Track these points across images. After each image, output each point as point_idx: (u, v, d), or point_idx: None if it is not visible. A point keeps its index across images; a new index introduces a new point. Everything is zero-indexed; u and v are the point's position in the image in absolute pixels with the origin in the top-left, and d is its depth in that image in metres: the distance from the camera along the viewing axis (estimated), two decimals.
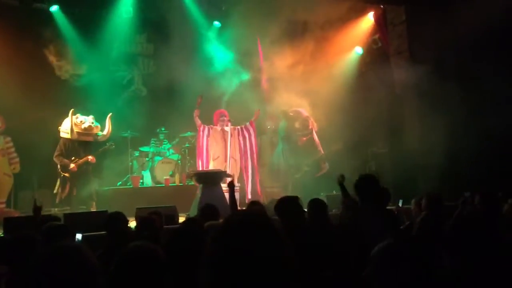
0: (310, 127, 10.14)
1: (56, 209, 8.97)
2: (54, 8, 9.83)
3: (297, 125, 10.12)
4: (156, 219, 4.09)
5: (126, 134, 10.05)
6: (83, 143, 8.75)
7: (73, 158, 8.53)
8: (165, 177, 10.00)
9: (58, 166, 8.54)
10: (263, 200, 8.71)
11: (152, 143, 10.62)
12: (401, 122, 10.00)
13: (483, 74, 8.23)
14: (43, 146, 8.85)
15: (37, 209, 4.41)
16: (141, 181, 10.15)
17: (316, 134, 10.19)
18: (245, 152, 9.64)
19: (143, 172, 10.38)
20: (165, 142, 10.81)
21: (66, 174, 8.47)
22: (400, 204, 6.58)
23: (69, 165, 8.44)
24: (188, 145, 10.60)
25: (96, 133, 8.92)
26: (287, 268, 1.28)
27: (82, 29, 10.01)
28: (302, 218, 3.69)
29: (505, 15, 7.89)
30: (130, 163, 10.30)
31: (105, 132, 9.00)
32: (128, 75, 11.49)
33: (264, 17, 10.25)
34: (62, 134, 8.67)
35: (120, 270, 1.78)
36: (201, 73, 10.62)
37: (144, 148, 10.60)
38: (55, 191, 8.52)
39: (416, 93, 9.46)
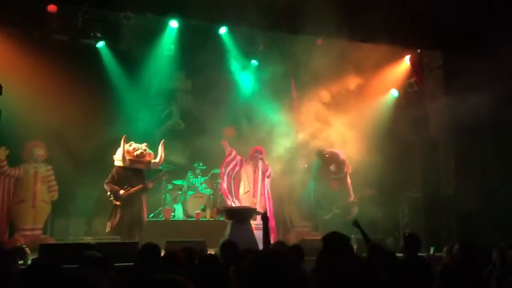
0: (345, 170, 10.05)
1: (89, 237, 9.21)
2: (100, 44, 10.30)
3: (332, 167, 10.01)
4: (179, 254, 4.12)
5: (160, 167, 10.25)
6: (135, 171, 8.66)
7: (125, 186, 8.42)
8: (196, 211, 10.09)
9: (108, 193, 8.47)
10: (293, 240, 8.66)
11: (189, 176, 10.79)
12: (436, 167, 9.86)
13: None
14: (81, 175, 9.14)
15: None
16: (172, 214, 10.28)
17: (350, 177, 10.10)
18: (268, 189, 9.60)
19: (175, 205, 10.52)
20: (199, 176, 10.98)
21: (118, 202, 8.35)
22: (431, 252, 6.43)
23: (119, 192, 8.33)
24: (220, 180, 10.70)
25: (149, 161, 8.83)
26: None
27: (126, 65, 10.43)
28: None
29: None
30: (163, 196, 10.47)
31: (157, 160, 8.91)
32: (167, 109, 11.82)
33: (299, 56, 10.49)
34: (116, 162, 8.64)
35: None
36: (236, 109, 10.87)
37: (178, 182, 10.77)
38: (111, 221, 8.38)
39: (452, 139, 9.34)
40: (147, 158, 8.81)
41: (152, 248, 3.98)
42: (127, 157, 8.56)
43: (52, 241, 8.68)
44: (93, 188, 9.24)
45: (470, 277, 3.63)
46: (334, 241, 3.60)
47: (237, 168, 9.47)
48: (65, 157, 9.28)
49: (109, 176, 8.52)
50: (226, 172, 9.39)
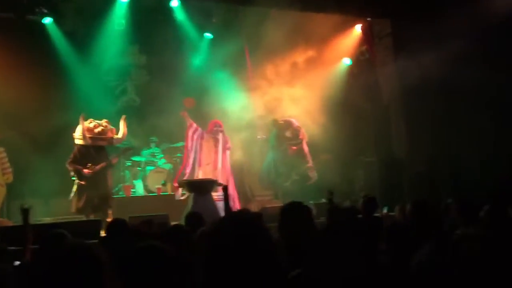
0: (301, 136, 10.31)
1: (48, 218, 9.09)
2: (47, 21, 9.95)
3: (287, 134, 10.29)
4: (142, 227, 4.20)
5: (118, 144, 10.16)
6: (98, 148, 8.47)
7: (88, 164, 8.20)
8: (157, 186, 10.12)
9: (72, 173, 8.26)
10: (254, 208, 8.86)
11: (144, 152, 10.74)
12: (388, 132, 10.25)
13: (466, 85, 8.51)
14: (36, 156, 8.95)
15: (25, 211, 4.18)
16: (133, 190, 10.27)
17: (306, 144, 10.38)
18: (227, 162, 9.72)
19: (135, 181, 10.50)
20: (157, 152, 10.94)
21: (82, 182, 8.15)
22: (385, 211, 6.77)
23: (82, 171, 8.12)
24: (180, 154, 10.74)
25: (112, 137, 8.65)
26: (275, 262, 1.42)
27: (75, 41, 10.14)
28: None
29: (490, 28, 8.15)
30: (122, 173, 10.42)
31: (120, 135, 8.74)
32: (121, 86, 11.63)
33: (253, 29, 10.53)
34: (76, 141, 8.43)
35: (134, 266, 1.87)
36: (192, 83, 10.84)
37: (136, 158, 10.73)
38: (70, 198, 8.27)
39: (402, 104, 9.72)
40: (109, 134, 8.62)
41: (120, 223, 4.04)
42: (88, 135, 8.36)
43: (9, 223, 8.51)
44: (50, 169, 9.06)
45: (420, 232, 3.89)
46: (292, 211, 3.75)
47: (199, 140, 9.48)
48: (18, 138, 9.04)
49: (71, 156, 8.32)
50: (194, 146, 9.38)
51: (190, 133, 9.39)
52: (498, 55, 8.01)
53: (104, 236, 4.06)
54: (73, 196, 8.25)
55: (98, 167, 8.25)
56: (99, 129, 8.47)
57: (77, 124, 8.55)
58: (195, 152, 9.36)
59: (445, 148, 8.98)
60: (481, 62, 8.13)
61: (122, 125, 8.77)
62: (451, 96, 8.97)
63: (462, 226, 4.39)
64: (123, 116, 8.90)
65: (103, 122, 8.65)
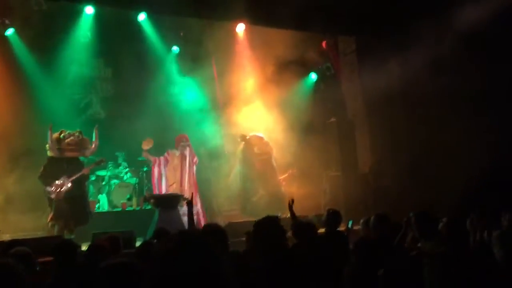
0: (268, 151, 10.38)
1: (7, 234, 8.79)
2: (9, 32, 9.73)
3: (255, 149, 10.31)
4: (106, 245, 4.13)
5: (82, 158, 9.97)
6: (71, 160, 8.17)
7: (62, 176, 7.90)
8: (122, 201, 9.96)
9: (44, 188, 7.97)
10: (220, 223, 8.82)
11: (110, 166, 10.55)
12: (353, 146, 10.45)
13: (428, 99, 8.81)
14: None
15: None
16: (97, 205, 10.06)
17: (274, 159, 10.44)
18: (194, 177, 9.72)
19: (99, 196, 10.29)
20: (122, 166, 10.77)
21: (52, 196, 7.89)
22: (350, 225, 6.87)
23: (51, 184, 7.84)
24: (146, 168, 10.62)
25: (84, 148, 8.36)
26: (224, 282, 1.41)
27: (39, 53, 9.94)
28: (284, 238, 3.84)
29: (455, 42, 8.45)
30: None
31: (92, 146, 8.47)
32: (86, 99, 11.45)
33: (219, 42, 10.62)
34: (48, 153, 8.14)
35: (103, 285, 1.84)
36: (159, 96, 10.79)
37: (101, 172, 10.53)
38: (49, 218, 7.98)
39: (366, 118, 9.94)
40: (81, 145, 8.32)
41: (68, 245, 3.94)
42: (56, 146, 8.05)
43: None
44: (5, 182, 8.84)
45: (384, 243, 3.98)
46: (266, 224, 3.79)
47: (163, 167, 9.47)
48: None
49: (41, 169, 8.03)
50: (159, 175, 9.42)
51: (155, 169, 9.46)
52: (458, 68, 8.31)
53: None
54: (49, 211, 8.00)
55: (69, 179, 7.94)
56: (69, 139, 8.18)
57: (41, 135, 8.35)
58: (162, 179, 9.33)
59: (408, 161, 9.21)
60: (442, 79, 8.43)
61: (94, 135, 8.49)
62: (413, 110, 9.26)
63: (423, 240, 4.51)
64: (96, 126, 8.66)
65: (76, 132, 8.36)
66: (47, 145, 8.16)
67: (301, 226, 4.74)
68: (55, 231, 7.80)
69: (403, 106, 9.69)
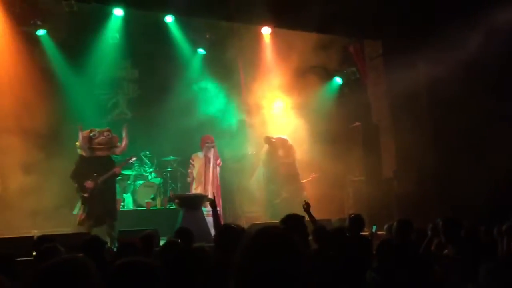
0: (293, 155, 10.36)
1: (35, 231, 9.00)
2: (41, 32, 9.98)
3: (280, 152, 10.29)
4: (137, 242, 4.20)
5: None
6: (102, 159, 8.19)
7: (94, 175, 7.98)
8: (146, 201, 10.09)
9: (76, 186, 8.06)
10: (243, 224, 8.87)
11: (135, 166, 10.71)
12: (378, 151, 10.37)
13: (454, 105, 8.69)
14: (28, 168, 8.92)
15: None
16: (122, 204, 10.21)
17: (297, 162, 10.43)
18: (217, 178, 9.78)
19: (124, 195, 10.45)
20: (147, 166, 10.93)
21: (85, 195, 7.95)
22: (373, 230, 6.83)
23: (84, 183, 7.90)
24: (170, 168, 10.74)
25: (114, 146, 8.37)
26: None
27: (69, 53, 10.16)
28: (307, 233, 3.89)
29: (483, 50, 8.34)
30: None
31: (122, 144, 8.44)
32: (113, 99, 11.66)
33: (245, 45, 10.69)
34: (79, 152, 8.20)
35: (118, 283, 1.84)
36: (185, 98, 10.91)
37: (126, 171, 10.68)
38: (74, 212, 8.12)
39: (391, 123, 9.85)
40: (111, 143, 8.33)
41: (96, 241, 4.03)
42: (87, 146, 8.11)
43: None
44: (39, 181, 9.04)
45: (406, 250, 3.95)
46: (292, 222, 3.83)
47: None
48: (9, 150, 8.99)
49: (74, 168, 8.09)
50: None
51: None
52: (485, 75, 8.20)
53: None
54: (77, 210, 8.10)
55: (101, 178, 8.00)
56: (99, 139, 8.19)
57: (69, 134, 8.52)
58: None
59: (434, 168, 9.11)
60: (469, 82, 8.32)
61: (124, 133, 8.49)
62: (439, 114, 9.15)
63: (450, 245, 4.47)
64: (125, 125, 8.70)
65: (105, 130, 8.39)
66: (77, 144, 8.25)
67: (323, 231, 4.73)
68: (84, 229, 7.91)
69: (429, 110, 9.59)
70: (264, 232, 1.58)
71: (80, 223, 7.95)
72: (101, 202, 7.93)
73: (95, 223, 7.91)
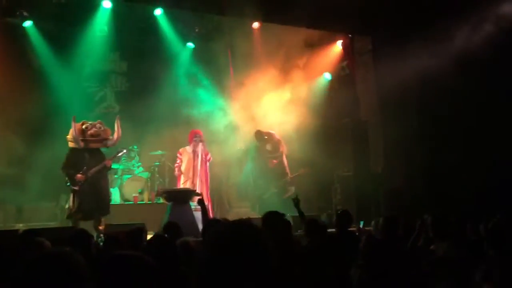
0: (281, 150, 10.37)
1: (21, 224, 8.91)
2: (27, 24, 9.84)
3: (268, 147, 10.31)
4: (120, 236, 4.16)
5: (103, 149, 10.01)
6: (93, 151, 8.08)
7: (84, 168, 7.86)
8: (133, 195, 10.02)
9: (66, 179, 7.90)
10: (231, 219, 8.85)
11: (123, 160, 10.62)
12: (366, 147, 10.41)
13: (442, 102, 8.74)
14: (12, 162, 8.83)
15: None
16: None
17: (285, 157, 10.43)
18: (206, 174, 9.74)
19: (111, 189, 10.34)
20: (134, 160, 10.84)
21: (75, 187, 7.82)
22: (361, 225, 6.87)
23: (75, 176, 7.76)
24: (157, 163, 10.67)
25: (106, 139, 8.23)
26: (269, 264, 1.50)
27: (56, 45, 10.04)
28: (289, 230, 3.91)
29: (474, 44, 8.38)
30: None
31: (114, 137, 8.29)
32: (101, 92, 11.54)
33: (234, 39, 10.64)
34: (69, 144, 8.06)
35: (109, 277, 1.79)
36: (172, 92, 10.85)
37: (114, 165, 10.58)
38: (66, 206, 8.02)
39: (380, 119, 9.88)
40: (103, 136, 8.20)
41: (83, 234, 3.99)
42: (80, 138, 7.97)
43: None
44: (23, 174, 8.96)
45: (392, 246, 3.96)
46: (272, 219, 3.81)
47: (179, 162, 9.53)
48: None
49: (64, 161, 7.94)
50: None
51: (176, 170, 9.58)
52: (476, 72, 8.23)
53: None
54: (68, 203, 7.99)
55: (92, 171, 7.89)
56: (92, 131, 8.06)
57: (56, 127, 8.43)
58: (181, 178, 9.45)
59: (422, 163, 9.16)
60: (458, 79, 8.36)
61: (116, 126, 8.35)
62: (427, 111, 9.19)
63: (437, 240, 4.49)
64: (117, 117, 8.55)
65: (97, 123, 8.26)
66: (68, 137, 8.10)
67: (314, 224, 4.73)
68: (71, 223, 7.83)
69: (418, 107, 9.62)
70: (229, 226, 1.64)
71: (69, 216, 7.86)
72: (92, 196, 7.82)
73: (84, 216, 7.80)
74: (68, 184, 7.89)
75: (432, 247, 4.69)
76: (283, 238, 3.54)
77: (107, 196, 8.26)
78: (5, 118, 8.88)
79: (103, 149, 8.36)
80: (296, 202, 5.34)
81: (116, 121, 8.37)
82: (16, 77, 9.12)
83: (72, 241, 3.90)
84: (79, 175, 7.79)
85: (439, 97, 8.66)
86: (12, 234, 6.29)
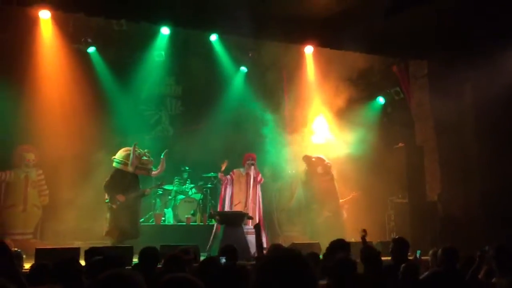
0: (332, 173, 10.27)
1: (79, 242, 9.22)
2: (91, 50, 10.35)
3: (319, 170, 10.21)
4: (182, 256, 4.24)
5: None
6: (134, 176, 8.61)
7: (125, 190, 8.34)
8: (186, 216, 10.19)
9: (106, 196, 8.39)
10: (282, 243, 8.80)
11: (176, 181, 10.86)
12: (422, 173, 10.12)
13: (501, 128, 8.42)
14: (72, 180, 9.19)
15: None
16: (163, 218, 10.36)
17: (335, 181, 10.31)
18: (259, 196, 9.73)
19: (165, 210, 10.60)
20: (188, 181, 11.06)
21: (114, 206, 8.27)
22: (417, 255, 6.63)
23: (116, 196, 8.23)
24: (210, 185, 10.81)
25: (151, 168, 8.86)
26: None
27: (116, 70, 10.47)
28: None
29: None
30: (153, 201, 10.55)
31: (159, 169, 8.94)
32: (156, 115, 11.90)
33: (287, 63, 10.73)
34: (115, 165, 8.56)
35: None
36: (226, 115, 11.03)
37: (168, 187, 10.84)
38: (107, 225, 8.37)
39: (436, 146, 9.61)
40: (149, 166, 8.81)
41: (152, 251, 4.09)
42: (136, 163, 8.51)
43: (43, 245, 8.66)
44: (83, 193, 9.30)
45: (452, 278, 3.82)
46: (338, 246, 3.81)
47: (230, 186, 9.56)
48: (55, 161, 9.30)
49: (109, 179, 8.45)
50: (226, 193, 9.54)
51: (223, 188, 9.58)
52: None
53: (138, 263, 4.10)
54: (107, 220, 8.34)
55: (133, 195, 8.37)
56: (144, 159, 8.64)
57: (113, 148, 8.79)
58: (226, 198, 9.48)
59: (480, 191, 8.81)
60: None
61: (162, 160, 8.90)
62: (486, 138, 8.86)
63: (499, 275, 4.28)
64: (165, 151, 9.04)
65: (146, 152, 8.80)
66: (116, 157, 8.58)
67: (369, 251, 4.63)
68: (110, 241, 8.14)
69: (476, 133, 9.29)
70: (281, 252, 1.71)
71: (107, 233, 8.22)
72: (127, 217, 8.25)
73: (121, 237, 8.16)
74: (107, 201, 8.30)
75: (493, 280, 4.49)
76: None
77: (139, 222, 8.67)
78: (71, 135, 9.27)
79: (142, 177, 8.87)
80: (363, 235, 5.26)
81: (163, 155, 8.88)
82: (80, 100, 9.54)
83: (143, 257, 4.01)
84: (120, 196, 8.20)
85: (497, 126, 8.35)
86: (73, 251, 6.51)
